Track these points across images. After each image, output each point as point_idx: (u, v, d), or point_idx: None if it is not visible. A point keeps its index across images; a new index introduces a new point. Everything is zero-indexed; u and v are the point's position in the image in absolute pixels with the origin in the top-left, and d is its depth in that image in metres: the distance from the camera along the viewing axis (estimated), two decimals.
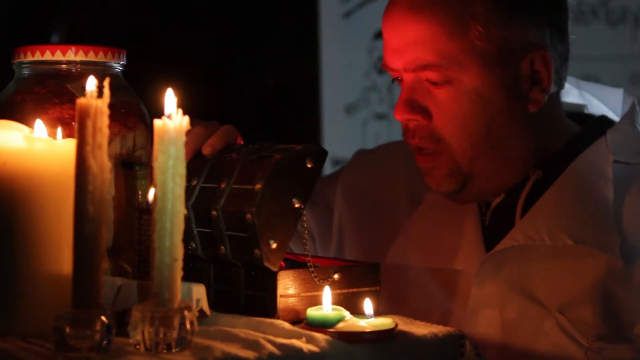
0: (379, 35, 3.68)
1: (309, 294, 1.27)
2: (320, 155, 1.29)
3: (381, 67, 1.63)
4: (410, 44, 1.54)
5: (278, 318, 1.24)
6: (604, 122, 1.65)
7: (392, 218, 1.75)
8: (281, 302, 1.25)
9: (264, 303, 1.26)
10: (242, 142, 1.43)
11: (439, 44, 1.52)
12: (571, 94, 1.70)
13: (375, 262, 1.35)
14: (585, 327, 1.47)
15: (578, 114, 1.69)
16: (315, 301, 1.26)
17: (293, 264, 1.35)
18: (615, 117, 1.66)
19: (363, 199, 1.80)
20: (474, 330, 1.55)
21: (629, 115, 1.62)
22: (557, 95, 1.63)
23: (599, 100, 1.70)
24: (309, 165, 1.27)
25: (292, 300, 1.26)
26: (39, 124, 1.25)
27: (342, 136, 3.74)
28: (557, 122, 1.63)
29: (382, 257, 1.69)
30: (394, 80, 1.62)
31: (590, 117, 1.69)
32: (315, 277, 1.27)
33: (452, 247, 1.62)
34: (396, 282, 1.67)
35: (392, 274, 1.67)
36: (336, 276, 1.29)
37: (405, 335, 1.22)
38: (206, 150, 1.38)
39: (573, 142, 1.61)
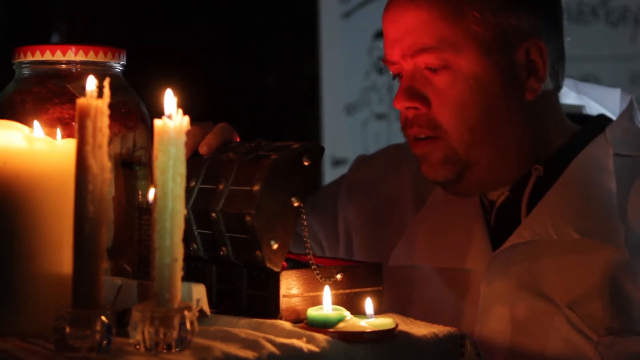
0: (379, 35, 3.68)
1: (311, 294, 1.26)
2: (317, 152, 1.28)
3: (382, 65, 1.65)
4: (408, 30, 1.58)
5: (281, 318, 1.24)
6: (602, 120, 1.67)
7: (399, 216, 1.75)
8: (284, 302, 1.25)
9: (266, 303, 1.26)
10: (238, 140, 1.43)
11: (435, 28, 1.56)
12: (570, 97, 1.72)
13: (380, 261, 1.35)
14: (595, 322, 1.48)
15: (577, 115, 1.70)
16: (318, 301, 1.26)
17: (295, 264, 1.35)
18: (613, 117, 1.68)
19: (368, 197, 1.80)
20: (485, 327, 1.56)
21: (627, 112, 1.65)
22: (555, 93, 1.64)
23: (597, 102, 1.72)
24: (305, 163, 1.27)
25: (294, 300, 1.26)
26: (36, 125, 1.25)
27: (342, 136, 3.74)
28: (556, 120, 1.64)
29: (389, 256, 1.70)
30: (394, 77, 1.63)
31: (589, 117, 1.71)
32: (318, 274, 1.27)
33: (459, 246, 1.63)
34: (404, 283, 1.68)
35: (399, 275, 1.67)
36: (339, 276, 1.29)
37: (405, 335, 1.22)
38: (202, 149, 1.38)
39: (573, 140, 1.62)
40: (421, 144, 1.60)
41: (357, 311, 1.26)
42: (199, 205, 1.31)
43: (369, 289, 1.31)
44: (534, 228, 1.54)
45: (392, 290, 1.64)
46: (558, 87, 1.65)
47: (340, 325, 1.19)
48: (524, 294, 1.54)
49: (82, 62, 1.40)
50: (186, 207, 1.29)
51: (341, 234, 1.82)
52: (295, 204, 1.26)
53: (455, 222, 1.65)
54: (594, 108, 1.73)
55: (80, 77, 1.38)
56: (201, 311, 1.22)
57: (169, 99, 1.11)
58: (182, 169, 1.09)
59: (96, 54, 1.40)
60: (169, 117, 1.09)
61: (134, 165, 1.40)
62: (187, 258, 1.11)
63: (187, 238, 1.27)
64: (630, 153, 1.59)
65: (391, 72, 1.63)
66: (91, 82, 1.09)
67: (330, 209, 1.84)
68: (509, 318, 1.55)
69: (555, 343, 1.50)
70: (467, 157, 1.58)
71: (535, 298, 1.53)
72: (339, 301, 1.28)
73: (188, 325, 1.09)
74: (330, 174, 3.59)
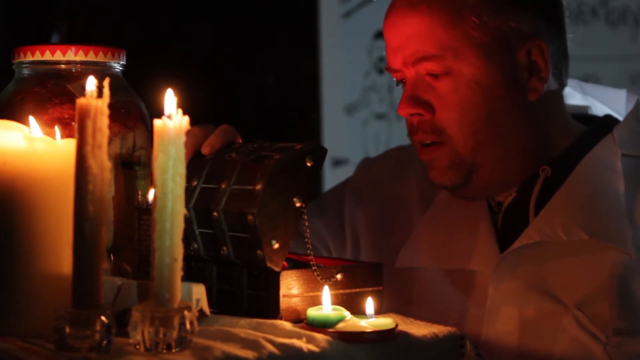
0: (379, 35, 3.68)
1: (311, 294, 1.26)
2: (320, 153, 1.29)
3: (383, 69, 1.65)
4: (409, 38, 1.59)
5: (281, 318, 1.24)
6: (609, 121, 1.67)
7: (405, 217, 1.75)
8: (284, 302, 1.25)
9: (266, 303, 1.26)
10: (240, 141, 1.43)
11: (436, 35, 1.57)
12: (574, 97, 1.73)
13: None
14: (603, 323, 1.49)
15: (583, 116, 1.71)
16: (318, 301, 1.26)
17: (296, 264, 1.35)
18: (619, 117, 1.68)
19: (375, 200, 1.81)
20: (493, 329, 1.57)
21: (634, 112, 1.65)
22: (559, 93, 1.65)
23: (602, 102, 1.73)
24: (308, 164, 1.27)
25: (295, 300, 1.26)
26: (32, 121, 1.25)
27: (342, 136, 3.74)
28: (562, 121, 1.64)
29: (396, 257, 1.70)
30: (398, 83, 1.64)
31: (595, 117, 1.71)
32: (318, 275, 1.27)
33: (466, 248, 1.63)
34: (410, 285, 1.68)
35: (405, 277, 1.68)
36: (339, 276, 1.29)
37: (405, 335, 1.22)
38: (205, 149, 1.38)
39: (580, 141, 1.63)
40: (427, 150, 1.61)
41: (357, 311, 1.26)
42: (200, 204, 1.31)
43: (369, 289, 1.31)
44: (543, 229, 1.54)
45: (399, 292, 1.64)
46: (562, 86, 1.65)
47: (340, 325, 1.19)
48: (532, 295, 1.54)
49: (82, 62, 1.40)
50: (188, 206, 1.30)
51: (348, 236, 1.82)
52: (297, 204, 1.26)
53: (462, 223, 1.66)
54: (599, 109, 1.73)
55: (80, 77, 1.38)
56: (201, 311, 1.22)
57: (169, 99, 1.11)
58: (182, 169, 1.09)
59: (96, 54, 1.41)
60: (169, 117, 1.09)
61: (134, 165, 1.40)
62: (187, 258, 1.11)
63: (188, 237, 1.27)
64: (638, 154, 1.59)
65: (394, 79, 1.64)
66: (91, 82, 1.09)
67: (337, 212, 1.84)
68: (517, 319, 1.55)
69: (564, 344, 1.50)
70: (473, 160, 1.58)
71: (544, 299, 1.53)
72: (339, 301, 1.28)
73: (188, 325, 1.09)
74: (330, 174, 3.59)
